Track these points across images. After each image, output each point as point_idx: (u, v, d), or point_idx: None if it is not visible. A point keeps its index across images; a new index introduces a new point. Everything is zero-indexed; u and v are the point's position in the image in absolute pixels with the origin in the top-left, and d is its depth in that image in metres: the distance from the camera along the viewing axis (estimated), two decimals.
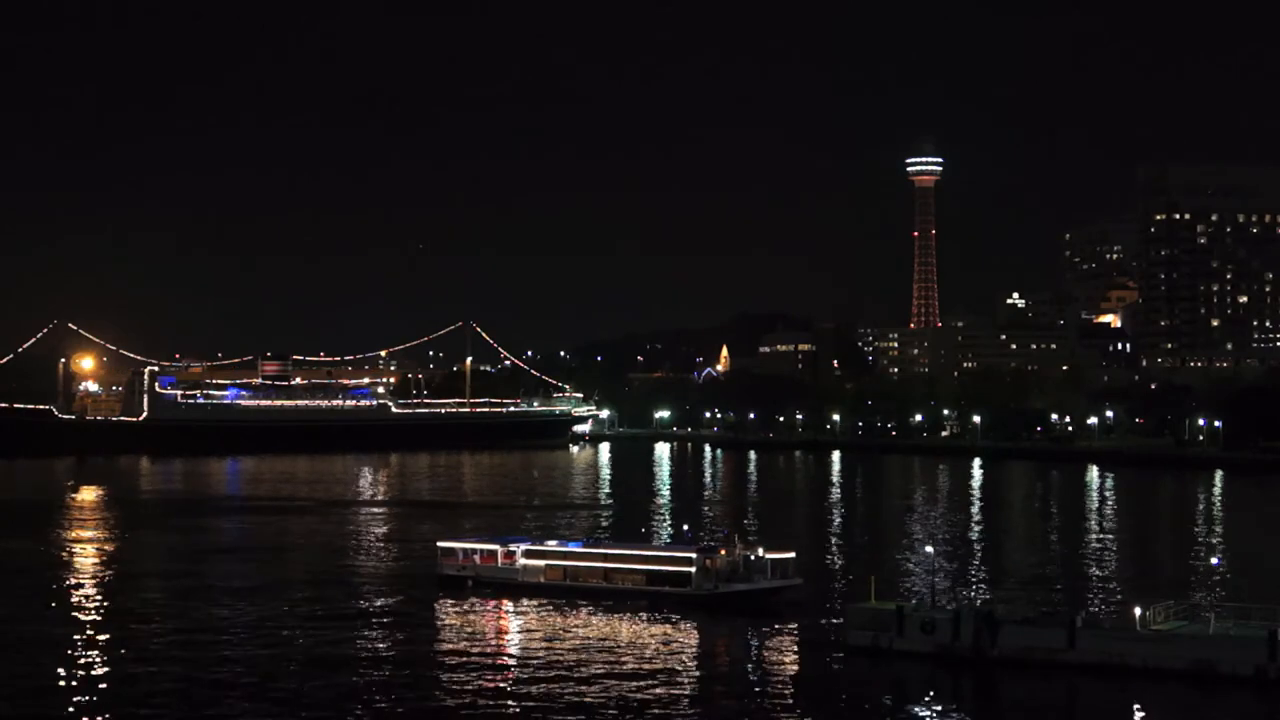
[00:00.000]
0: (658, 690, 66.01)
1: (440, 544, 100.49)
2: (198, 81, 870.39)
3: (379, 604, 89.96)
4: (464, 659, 72.55)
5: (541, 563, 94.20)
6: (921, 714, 64.42)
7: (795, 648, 77.05)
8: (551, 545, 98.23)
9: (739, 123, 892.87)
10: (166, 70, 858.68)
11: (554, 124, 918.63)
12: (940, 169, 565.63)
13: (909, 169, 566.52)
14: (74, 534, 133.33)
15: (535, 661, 71.86)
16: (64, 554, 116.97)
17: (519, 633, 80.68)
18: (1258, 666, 65.86)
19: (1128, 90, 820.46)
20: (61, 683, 67.59)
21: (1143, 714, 63.44)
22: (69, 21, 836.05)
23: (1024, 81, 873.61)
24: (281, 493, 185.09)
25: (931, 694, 66.92)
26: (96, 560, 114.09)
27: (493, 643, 77.83)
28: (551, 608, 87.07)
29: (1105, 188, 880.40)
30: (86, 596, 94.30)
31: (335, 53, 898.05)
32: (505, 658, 73.49)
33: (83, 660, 72.86)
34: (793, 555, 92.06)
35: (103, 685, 67.43)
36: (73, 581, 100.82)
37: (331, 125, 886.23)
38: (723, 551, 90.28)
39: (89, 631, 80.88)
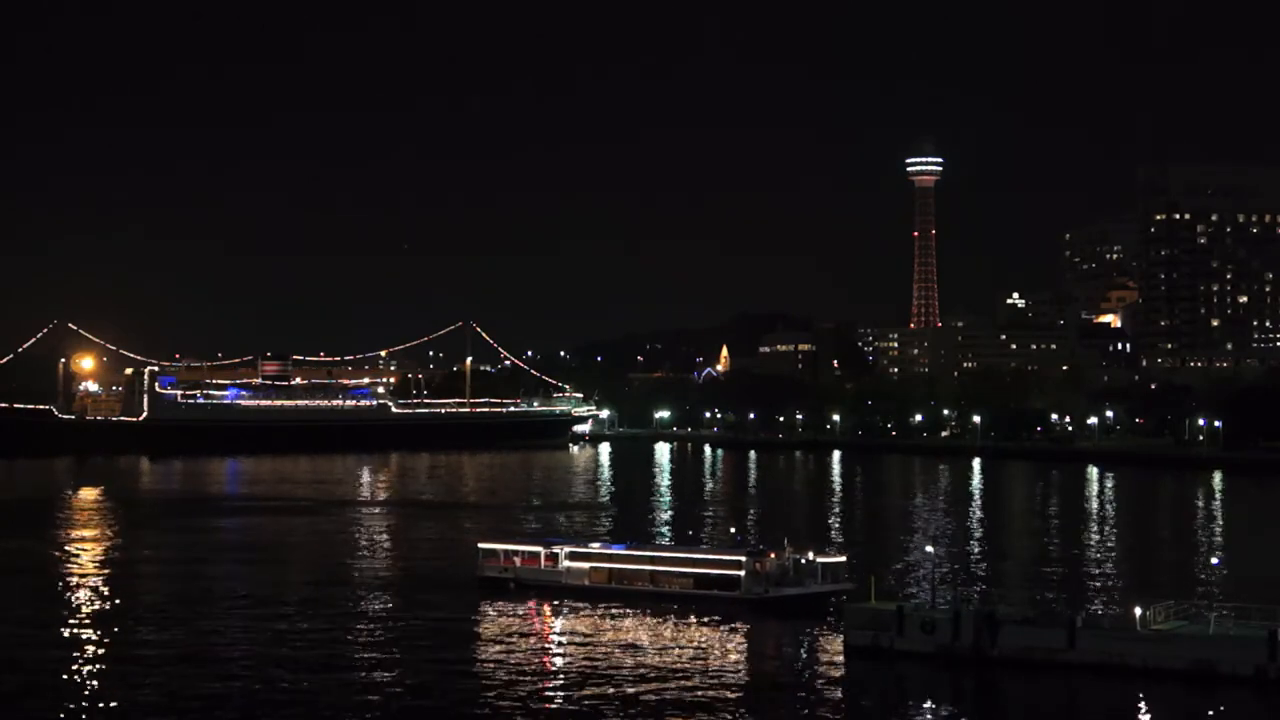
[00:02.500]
0: (695, 693, 65.99)
1: (481, 545, 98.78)
2: (197, 80, 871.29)
3: (419, 607, 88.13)
4: (507, 664, 71.63)
5: (585, 565, 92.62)
6: (922, 714, 64.48)
7: (796, 648, 77.05)
8: (595, 547, 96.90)
9: (739, 122, 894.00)
10: (165, 70, 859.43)
11: (554, 123, 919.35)
12: (940, 169, 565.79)
13: (909, 169, 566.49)
14: (76, 534, 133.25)
15: (580, 667, 70.76)
16: (64, 554, 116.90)
17: (563, 637, 79.31)
18: (1258, 666, 65.91)
19: (1128, 90, 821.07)
20: (63, 683, 67.56)
21: (1143, 714, 63.47)
22: (68, 20, 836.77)
23: (1024, 81, 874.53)
24: (295, 493, 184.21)
25: (932, 694, 66.95)
26: (107, 560, 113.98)
27: (536, 647, 76.66)
28: (596, 611, 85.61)
29: (1105, 188, 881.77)
30: (94, 597, 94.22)
31: (334, 52, 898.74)
32: (549, 663, 72.54)
33: (87, 661, 72.90)
34: (844, 559, 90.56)
35: (107, 686, 67.48)
36: (77, 582, 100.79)
37: (331, 124, 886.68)
38: (772, 554, 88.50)
39: (95, 632, 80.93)
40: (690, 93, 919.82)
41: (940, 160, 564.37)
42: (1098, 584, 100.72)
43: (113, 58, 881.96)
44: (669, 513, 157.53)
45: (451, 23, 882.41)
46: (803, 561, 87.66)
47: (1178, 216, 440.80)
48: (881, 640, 72.78)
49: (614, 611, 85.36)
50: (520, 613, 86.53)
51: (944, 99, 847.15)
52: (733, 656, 74.38)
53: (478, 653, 74.92)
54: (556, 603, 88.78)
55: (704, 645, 76.81)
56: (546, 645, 77.48)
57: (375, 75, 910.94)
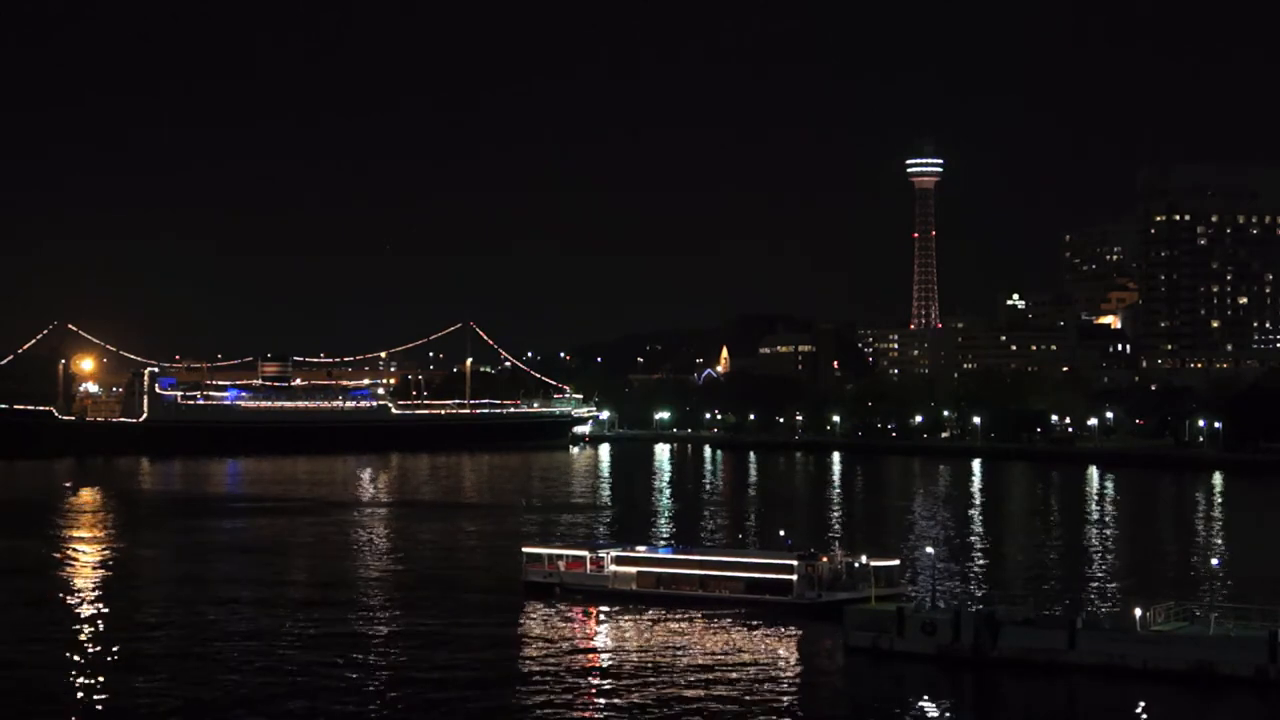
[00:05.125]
0: (693, 693, 65.89)
1: (525, 550, 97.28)
2: (197, 80, 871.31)
3: (461, 612, 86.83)
4: (553, 671, 70.58)
5: (633, 569, 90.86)
6: (922, 715, 64.53)
7: (797, 650, 77.04)
8: (641, 551, 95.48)
9: (739, 122, 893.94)
10: (165, 69, 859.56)
11: (555, 123, 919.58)
12: (940, 170, 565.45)
13: (909, 169, 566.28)
14: (76, 535, 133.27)
15: (628, 674, 69.69)
16: (64, 555, 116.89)
17: (610, 643, 78.27)
18: (1258, 668, 65.94)
19: (1128, 90, 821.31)
20: (62, 684, 67.55)
21: (1143, 715, 63.51)
22: (67, 18, 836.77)
23: (1025, 82, 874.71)
24: (311, 494, 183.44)
25: (932, 695, 67.00)
26: (109, 561, 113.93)
27: (583, 654, 75.56)
28: (644, 616, 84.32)
29: (1105, 188, 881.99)
30: (94, 598, 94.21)
31: (335, 50, 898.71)
32: (596, 670, 71.54)
33: (86, 662, 72.94)
34: (897, 563, 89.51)
35: (107, 687, 67.50)
36: (76, 582, 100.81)
37: (331, 123, 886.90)
38: (824, 558, 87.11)
39: (94, 633, 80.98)
40: (690, 92, 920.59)
41: (940, 161, 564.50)
42: (1098, 585, 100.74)
43: (113, 57, 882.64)
44: (670, 514, 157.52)
45: (454, 22, 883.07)
46: (856, 565, 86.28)
47: (1178, 217, 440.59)
48: (882, 641, 72.83)
49: (661, 617, 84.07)
50: (566, 618, 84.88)
51: (944, 99, 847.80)
52: (730, 658, 74.21)
53: (523, 659, 73.74)
54: (603, 608, 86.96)
55: (705, 647, 76.70)
56: (592, 652, 76.41)
57: (376, 75, 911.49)
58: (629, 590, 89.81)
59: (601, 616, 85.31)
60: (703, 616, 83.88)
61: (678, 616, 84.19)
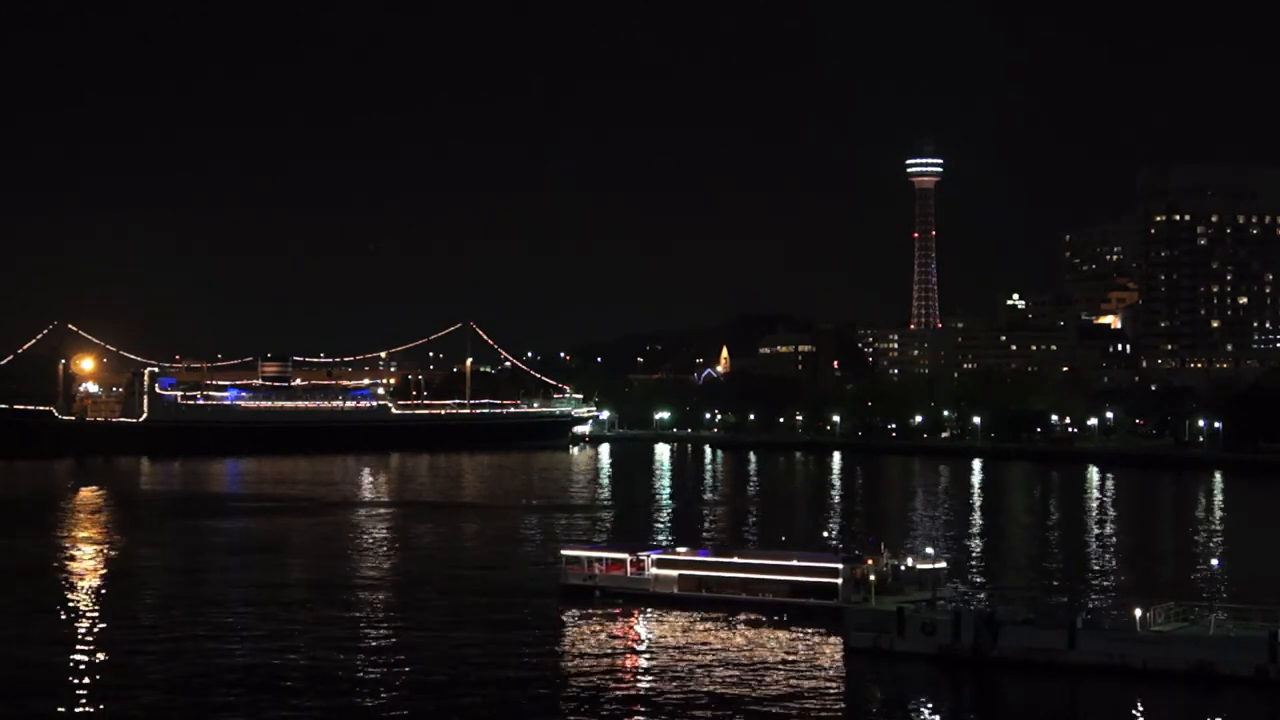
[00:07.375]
0: (690, 692, 65.81)
1: (564, 552, 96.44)
2: (196, 80, 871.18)
3: (497, 614, 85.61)
4: (593, 676, 69.83)
5: (674, 572, 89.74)
6: (922, 715, 64.54)
7: (797, 650, 77.00)
8: (682, 553, 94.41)
9: (739, 123, 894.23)
10: (165, 69, 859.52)
11: (555, 123, 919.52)
12: (940, 170, 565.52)
13: (909, 169, 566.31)
14: (76, 534, 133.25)
15: (671, 679, 68.88)
16: (64, 554, 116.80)
17: (652, 648, 77.30)
18: (1258, 668, 65.97)
19: (1128, 90, 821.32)
20: (62, 684, 67.51)
21: (1143, 715, 63.54)
22: (67, 19, 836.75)
23: (1025, 82, 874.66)
24: (315, 493, 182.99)
25: (932, 695, 67.03)
26: (112, 561, 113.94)
27: (624, 658, 74.65)
28: (686, 620, 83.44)
29: (1105, 188, 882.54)
30: (94, 597, 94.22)
31: (334, 50, 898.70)
32: (638, 675, 70.77)
33: (86, 662, 72.91)
34: (944, 566, 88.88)
35: (107, 687, 67.51)
36: (76, 582, 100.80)
37: (331, 124, 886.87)
38: (870, 561, 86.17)
39: (94, 633, 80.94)
40: (691, 93, 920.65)
41: (940, 161, 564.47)
42: (1098, 585, 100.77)
43: (113, 57, 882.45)
44: (671, 515, 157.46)
45: (454, 22, 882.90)
46: (901, 568, 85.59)
47: (1178, 217, 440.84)
48: (882, 642, 72.85)
49: (701, 620, 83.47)
50: (604, 622, 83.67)
51: (944, 100, 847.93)
52: (729, 657, 74.21)
53: (556, 666, 72.93)
54: (643, 611, 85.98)
55: (703, 646, 76.69)
56: (633, 656, 75.55)
57: (376, 75, 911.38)
58: (671, 593, 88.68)
59: (642, 620, 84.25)
60: (744, 620, 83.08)
61: (718, 620, 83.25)
